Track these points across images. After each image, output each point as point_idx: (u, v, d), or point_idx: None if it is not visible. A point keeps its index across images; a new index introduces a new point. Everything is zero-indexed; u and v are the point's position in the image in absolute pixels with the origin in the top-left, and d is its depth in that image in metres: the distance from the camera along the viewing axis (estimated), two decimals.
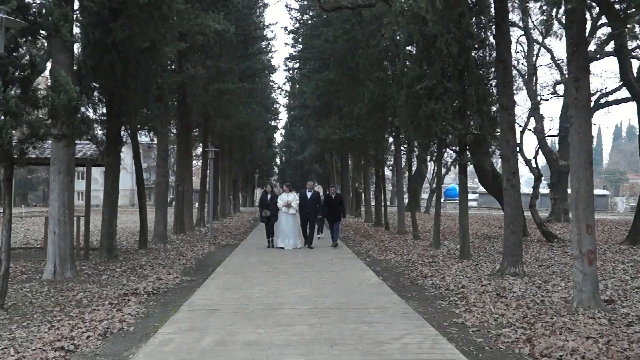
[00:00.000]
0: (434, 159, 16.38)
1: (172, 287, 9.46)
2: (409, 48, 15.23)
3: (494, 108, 13.06)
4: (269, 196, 16.41)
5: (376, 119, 19.77)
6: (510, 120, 10.63)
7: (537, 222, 17.57)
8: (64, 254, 10.06)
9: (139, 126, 14.90)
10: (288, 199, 15.89)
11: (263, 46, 32.82)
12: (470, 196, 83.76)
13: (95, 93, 13.04)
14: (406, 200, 31.27)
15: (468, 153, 13.24)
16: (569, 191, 31.95)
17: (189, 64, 18.89)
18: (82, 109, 8.59)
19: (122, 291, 8.83)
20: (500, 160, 11.28)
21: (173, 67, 19.66)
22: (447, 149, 14.84)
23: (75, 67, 12.61)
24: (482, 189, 77.11)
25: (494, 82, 13.15)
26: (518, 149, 14.42)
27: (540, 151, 23.62)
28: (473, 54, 12.84)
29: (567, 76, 8.99)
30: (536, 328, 6.36)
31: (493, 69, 12.75)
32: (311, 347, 5.51)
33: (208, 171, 22.89)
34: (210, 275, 10.58)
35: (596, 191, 76.27)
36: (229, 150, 36.83)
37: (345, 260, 13.17)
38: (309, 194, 16.33)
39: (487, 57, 12.83)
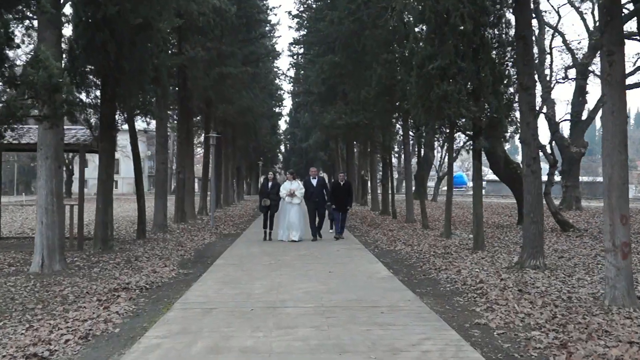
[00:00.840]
0: (445, 144, 15.62)
1: (167, 282, 8.80)
2: (418, 28, 14.42)
3: (511, 90, 12.29)
4: (269, 184, 15.02)
5: (384, 102, 18.95)
6: (530, 101, 9.86)
7: (552, 210, 16.79)
8: (52, 245, 9.41)
9: (138, 111, 14.20)
10: (292, 187, 14.50)
11: (267, 30, 31.95)
12: None
13: (90, 75, 12.36)
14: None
15: (482, 138, 12.41)
16: (581, 179, 31.25)
17: (189, 46, 18.09)
18: (68, 88, 7.81)
19: (113, 286, 8.18)
20: (510, 146, 10.59)
21: (174, 50, 18.92)
22: (461, 133, 14.06)
23: (67, 47, 11.97)
24: (489, 176, 76.05)
25: (510, 63, 12.35)
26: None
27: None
28: (489, 32, 12.03)
29: (601, 50, 8.20)
30: (569, 330, 5.67)
31: (510, 48, 11.94)
32: (317, 356, 4.80)
33: (211, 158, 22.21)
34: (208, 268, 9.92)
35: None
36: (232, 137, 36.08)
37: (353, 251, 12.48)
38: (314, 181, 14.89)
39: (504, 35, 11.98)
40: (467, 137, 14.32)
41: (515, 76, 12.00)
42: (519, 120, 12.81)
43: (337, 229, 15.29)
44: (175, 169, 22.23)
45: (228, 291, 7.70)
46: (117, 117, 12.82)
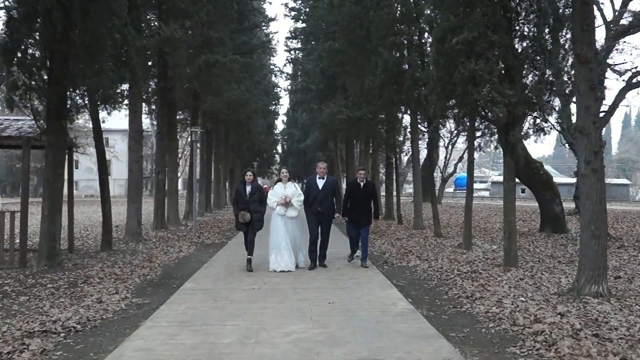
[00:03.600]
0: (452, 139, 13.28)
1: (109, 318, 6.47)
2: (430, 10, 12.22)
3: (549, 72, 10.02)
4: (248, 188, 9.85)
5: (390, 93, 16.54)
6: (590, 78, 7.54)
7: None
8: None
9: (96, 97, 11.82)
10: (286, 193, 9.87)
11: (261, 20, 29.73)
12: (480, 185, 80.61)
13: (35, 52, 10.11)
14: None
15: (517, 129, 10.11)
16: None
17: (163, 23, 15.79)
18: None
19: (32, 326, 5.89)
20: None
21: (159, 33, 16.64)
22: (481, 124, 11.79)
23: (5, 16, 9.76)
24: (493, 178, 73.82)
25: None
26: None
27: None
28: None
29: None
30: None
31: (552, 18, 9.66)
32: None
33: (198, 156, 19.95)
34: (170, 296, 7.58)
35: (616, 180, 72.85)
36: (225, 135, 33.78)
37: (358, 269, 10.09)
38: (320, 182, 10.07)
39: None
40: (488, 129, 11.95)
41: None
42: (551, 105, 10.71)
43: (363, 252, 10.45)
44: (155, 169, 19.87)
45: (184, 339, 5.37)
46: (69, 104, 10.52)
